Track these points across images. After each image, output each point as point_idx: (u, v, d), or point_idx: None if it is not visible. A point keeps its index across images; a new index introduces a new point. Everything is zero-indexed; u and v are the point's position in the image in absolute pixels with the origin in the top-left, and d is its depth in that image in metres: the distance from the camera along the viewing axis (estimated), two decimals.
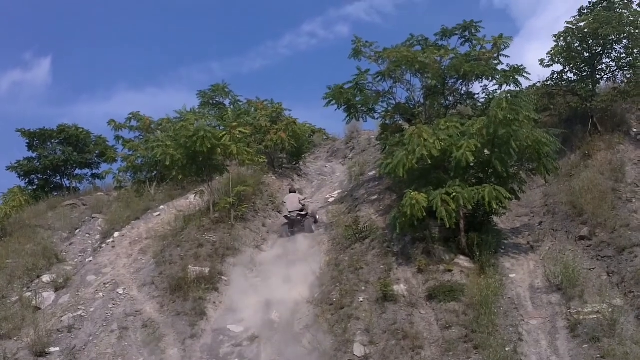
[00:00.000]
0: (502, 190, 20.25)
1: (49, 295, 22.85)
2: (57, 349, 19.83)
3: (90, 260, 24.93)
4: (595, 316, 17.75)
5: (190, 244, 23.69)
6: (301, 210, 25.71)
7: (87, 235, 27.89)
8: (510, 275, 20.20)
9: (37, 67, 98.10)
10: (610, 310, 17.69)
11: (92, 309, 21.46)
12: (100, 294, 22.26)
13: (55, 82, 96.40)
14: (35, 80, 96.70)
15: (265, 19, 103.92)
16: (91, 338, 20.09)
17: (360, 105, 26.43)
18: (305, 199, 27.17)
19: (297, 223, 25.56)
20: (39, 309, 22.13)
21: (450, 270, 20.20)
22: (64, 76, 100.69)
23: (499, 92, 23.72)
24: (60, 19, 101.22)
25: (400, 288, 19.78)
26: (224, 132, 25.75)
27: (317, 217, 26.57)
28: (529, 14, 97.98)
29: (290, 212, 25.65)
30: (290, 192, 26.99)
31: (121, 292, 22.11)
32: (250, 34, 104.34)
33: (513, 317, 18.41)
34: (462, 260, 20.59)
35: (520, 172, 22.20)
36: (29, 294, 23.01)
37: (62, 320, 21.07)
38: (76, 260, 25.87)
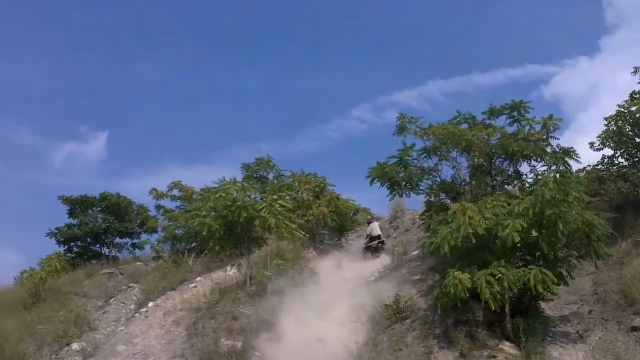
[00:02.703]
0: (549, 273, 19.35)
1: None
2: None
3: (122, 330, 24.48)
4: None
5: (224, 317, 23.12)
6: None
7: (122, 304, 27.53)
8: None
9: (94, 141, 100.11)
10: None
11: None
12: None
13: (110, 156, 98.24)
14: (91, 154, 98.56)
15: (315, 104, 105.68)
16: None
17: (404, 182, 25.86)
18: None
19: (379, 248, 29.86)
20: None
21: (494, 357, 19.20)
22: (118, 151, 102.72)
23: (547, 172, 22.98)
24: (119, 96, 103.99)
25: None
26: (264, 204, 25.39)
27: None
28: (580, 108, 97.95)
29: (377, 235, 30.20)
30: (371, 222, 31.47)
31: None
32: (300, 117, 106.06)
33: None
34: (507, 347, 19.57)
35: (570, 257, 21.29)
36: None
37: None
38: (108, 329, 25.47)
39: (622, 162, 25.97)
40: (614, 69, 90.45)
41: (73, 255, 35.73)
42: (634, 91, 26.44)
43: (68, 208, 36.25)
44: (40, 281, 28.10)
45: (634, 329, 19.88)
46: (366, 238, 30.74)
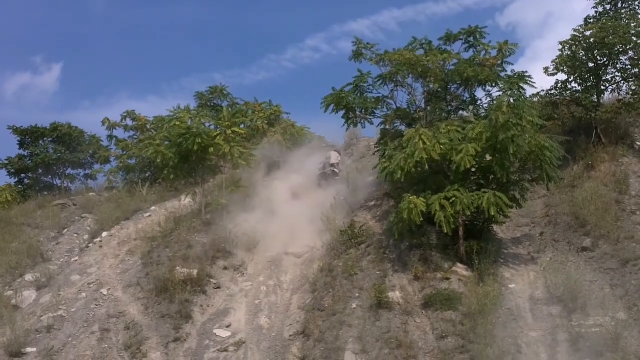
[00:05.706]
0: (502, 196, 19.59)
1: (29, 294, 22.19)
2: (34, 349, 19.17)
3: (76, 260, 24.22)
4: (597, 329, 17.15)
5: (179, 245, 22.98)
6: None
7: (75, 234, 27.16)
8: (510, 285, 19.50)
9: (47, 72, 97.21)
10: (613, 323, 17.12)
11: (73, 309, 20.75)
12: (83, 294, 21.54)
13: (62, 88, 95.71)
14: (43, 85, 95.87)
15: (269, 33, 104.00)
16: (70, 339, 19.40)
17: (359, 110, 25.60)
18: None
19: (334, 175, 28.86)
20: (18, 307, 21.43)
21: (447, 278, 19.50)
22: (70, 83, 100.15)
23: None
24: (71, 27, 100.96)
25: (395, 295, 19.08)
26: (218, 132, 25.06)
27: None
28: (535, 36, 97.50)
29: (335, 163, 29.14)
30: (332, 150, 30.31)
31: (105, 293, 21.40)
32: (254, 47, 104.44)
33: (512, 328, 17.72)
34: (460, 269, 19.89)
35: (522, 181, 21.50)
36: (10, 292, 22.32)
37: (41, 320, 20.39)
38: (62, 259, 25.15)
39: (575, 87, 25.99)
40: None
41: (24, 186, 35.14)
42: (588, 15, 26.56)
43: (18, 139, 35.52)
44: None
45: (584, 249, 20.36)
46: (320, 164, 29.98)
